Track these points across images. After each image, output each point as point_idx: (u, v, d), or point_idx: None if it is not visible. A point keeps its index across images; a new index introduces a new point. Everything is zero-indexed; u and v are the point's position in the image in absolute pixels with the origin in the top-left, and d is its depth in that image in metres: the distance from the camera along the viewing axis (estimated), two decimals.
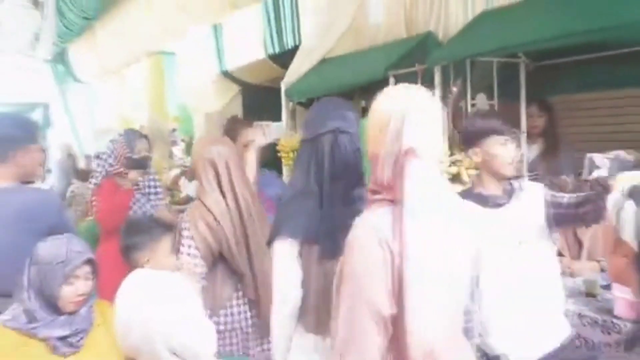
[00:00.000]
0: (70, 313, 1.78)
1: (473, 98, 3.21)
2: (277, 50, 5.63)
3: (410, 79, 3.50)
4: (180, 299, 1.75)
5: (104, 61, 9.25)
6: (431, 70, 3.24)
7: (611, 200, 1.74)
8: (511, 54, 3.16)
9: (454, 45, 3.23)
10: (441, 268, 1.15)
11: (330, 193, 1.66)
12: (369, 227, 1.19)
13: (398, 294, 1.10)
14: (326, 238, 1.59)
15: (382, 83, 3.71)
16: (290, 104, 4.66)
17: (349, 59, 4.14)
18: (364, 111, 4.29)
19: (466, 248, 1.27)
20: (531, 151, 3.37)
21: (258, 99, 6.33)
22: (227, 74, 6.59)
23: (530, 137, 3.31)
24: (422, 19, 3.74)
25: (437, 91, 3.18)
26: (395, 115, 1.26)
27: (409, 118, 1.24)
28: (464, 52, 3.04)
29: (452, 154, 3.07)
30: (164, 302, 1.72)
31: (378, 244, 1.15)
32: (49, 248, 1.79)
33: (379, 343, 1.11)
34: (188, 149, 7.06)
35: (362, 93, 4.15)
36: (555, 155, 3.33)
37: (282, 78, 4.78)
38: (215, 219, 2.29)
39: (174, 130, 6.91)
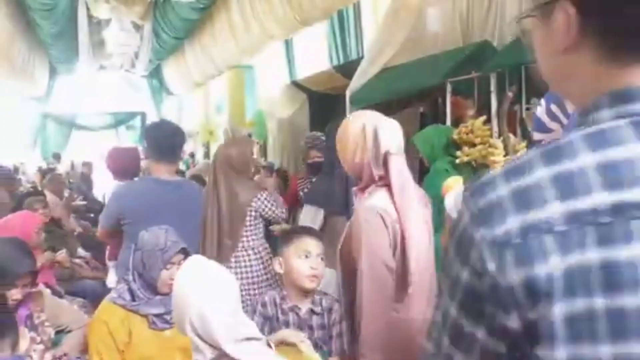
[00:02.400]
0: (165, 294, 1.84)
1: (528, 102, 3.06)
2: (341, 61, 5.62)
3: (467, 85, 3.39)
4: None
5: (191, 75, 9.57)
6: (487, 77, 3.11)
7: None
8: None
9: (509, 52, 3.09)
10: (420, 220, 1.53)
11: None
12: (371, 207, 1.50)
13: (394, 241, 1.48)
14: None
15: (439, 90, 3.62)
16: (354, 110, 4.62)
17: (408, 67, 4.06)
18: (422, 117, 4.21)
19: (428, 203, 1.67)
20: None
21: (323, 106, 6.34)
22: (296, 84, 6.65)
23: None
24: (478, 27, 3.61)
25: (493, 96, 3.05)
26: (368, 130, 1.55)
27: (380, 130, 1.55)
28: (519, 58, 2.90)
29: (506, 154, 2.94)
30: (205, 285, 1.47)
31: (380, 216, 1.47)
32: (151, 237, 1.85)
33: (391, 284, 1.47)
34: (262, 152, 7.18)
35: (420, 99, 4.06)
36: None
37: (345, 87, 4.75)
38: None
39: (249, 134, 7.04)
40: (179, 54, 9.59)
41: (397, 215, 1.46)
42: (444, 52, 3.80)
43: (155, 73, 11.80)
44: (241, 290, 2.40)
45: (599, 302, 0.49)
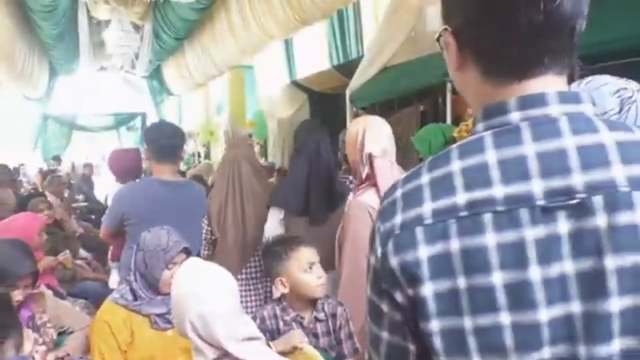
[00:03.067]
0: (167, 294, 1.83)
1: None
2: (341, 60, 5.62)
3: None
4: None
5: (192, 76, 9.57)
6: None
7: None
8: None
9: None
10: None
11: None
12: (360, 203, 1.76)
13: None
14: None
15: (439, 88, 3.62)
16: (354, 109, 4.62)
17: (408, 66, 4.06)
18: (423, 115, 4.21)
19: None
20: None
21: (323, 106, 6.35)
22: (296, 83, 6.65)
23: None
24: None
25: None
26: (359, 133, 1.79)
27: (366, 134, 1.76)
28: None
29: None
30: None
31: (367, 212, 1.70)
32: (153, 237, 1.85)
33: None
34: (262, 152, 7.18)
35: (420, 98, 4.05)
36: None
37: (345, 86, 4.75)
38: None
39: (250, 135, 7.04)
40: (179, 55, 9.59)
41: None
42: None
43: (156, 74, 11.80)
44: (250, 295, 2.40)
45: (461, 282, 0.59)
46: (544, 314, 0.57)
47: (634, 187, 0.56)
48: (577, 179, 0.58)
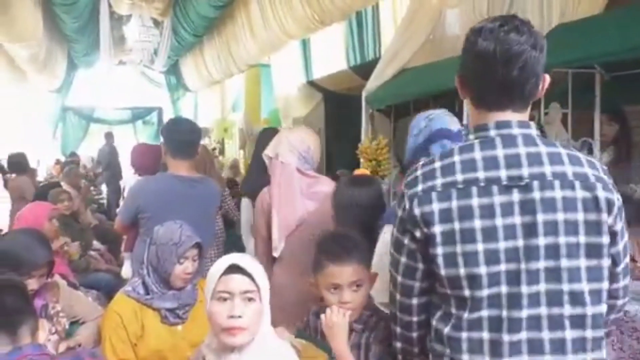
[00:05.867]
0: (179, 289, 1.84)
1: (546, 107, 3.02)
2: (358, 61, 5.60)
3: None
4: None
5: (209, 72, 9.62)
6: None
7: None
8: (586, 65, 2.94)
9: None
10: (295, 207, 2.11)
11: None
12: (261, 193, 2.17)
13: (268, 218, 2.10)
14: None
15: (456, 92, 3.58)
16: (370, 110, 4.61)
17: (426, 69, 4.04)
18: None
19: None
20: (603, 159, 3.12)
21: (339, 106, 6.33)
22: (312, 83, 6.64)
23: (603, 145, 3.07)
24: None
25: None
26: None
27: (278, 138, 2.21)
28: None
29: None
30: None
31: (261, 203, 2.15)
32: (166, 232, 1.85)
33: (264, 248, 2.13)
34: None
35: (436, 101, 4.02)
36: (626, 164, 3.06)
37: (361, 87, 4.73)
38: None
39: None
40: (197, 51, 9.64)
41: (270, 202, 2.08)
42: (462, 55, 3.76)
43: (173, 69, 11.88)
44: None
45: (456, 225, 1.04)
46: (502, 245, 1.02)
47: (554, 178, 1.03)
48: (525, 171, 1.04)
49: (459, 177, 1.04)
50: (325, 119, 6.50)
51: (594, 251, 1.02)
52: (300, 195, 2.04)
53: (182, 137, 2.47)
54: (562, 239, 1.00)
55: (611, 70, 3.13)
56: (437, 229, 1.04)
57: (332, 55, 6.07)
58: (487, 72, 1.06)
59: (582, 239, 1.01)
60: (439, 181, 1.05)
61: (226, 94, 10.08)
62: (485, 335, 1.02)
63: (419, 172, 1.10)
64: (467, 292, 1.03)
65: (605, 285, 1.04)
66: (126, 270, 2.86)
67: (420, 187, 1.07)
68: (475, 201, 1.02)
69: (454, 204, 1.03)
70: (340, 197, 1.86)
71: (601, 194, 1.02)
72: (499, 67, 1.04)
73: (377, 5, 5.14)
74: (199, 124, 3.95)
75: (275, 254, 2.08)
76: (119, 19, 8.82)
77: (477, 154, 1.05)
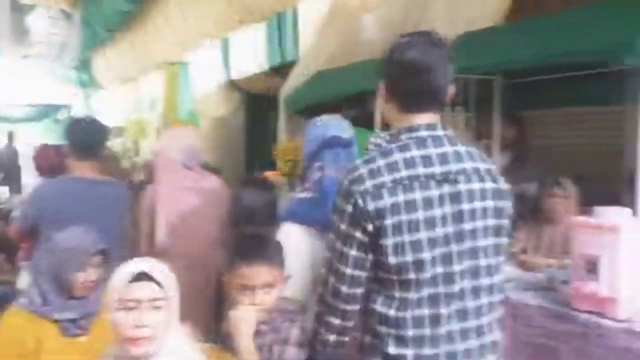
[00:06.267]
0: (81, 298, 1.75)
1: (453, 110, 3.21)
2: (278, 62, 5.61)
3: None
4: None
5: (123, 69, 9.19)
6: None
7: None
8: (488, 72, 3.15)
9: None
10: (179, 202, 2.21)
11: None
12: (146, 192, 2.30)
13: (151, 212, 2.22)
14: None
15: (370, 95, 3.69)
16: (288, 112, 4.63)
17: (342, 71, 4.12)
18: (355, 120, 4.27)
19: None
20: (502, 160, 3.36)
21: (259, 107, 6.31)
22: (232, 83, 6.56)
23: (502, 147, 3.31)
24: None
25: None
26: None
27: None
28: None
29: None
30: None
31: (146, 199, 2.23)
32: (66, 237, 1.76)
33: (147, 245, 2.25)
34: None
35: (353, 104, 4.12)
36: (522, 164, 3.32)
37: (282, 89, 4.74)
38: None
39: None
40: (111, 46, 9.17)
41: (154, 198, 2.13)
42: (378, 58, 3.87)
43: (84, 65, 11.22)
44: None
45: (404, 217, 1.19)
46: (440, 232, 1.20)
47: (472, 172, 1.25)
48: (452, 167, 1.23)
49: (404, 173, 1.19)
50: (245, 120, 6.44)
51: (499, 232, 1.27)
52: (185, 190, 2.10)
53: (86, 137, 2.36)
54: (480, 223, 1.23)
55: (511, 77, 3.38)
56: (388, 221, 1.17)
57: (253, 56, 6.03)
58: (413, 80, 1.23)
59: (491, 222, 1.25)
60: (387, 178, 1.19)
61: (142, 92, 9.68)
62: (427, 311, 1.20)
63: (363, 170, 1.22)
64: (412, 276, 1.19)
65: (503, 258, 1.32)
66: (23, 282, 2.66)
67: (369, 184, 1.19)
68: (418, 195, 1.18)
69: (401, 198, 1.18)
70: (236, 199, 1.89)
71: (502, 185, 1.30)
72: (423, 76, 1.23)
73: (296, 7, 5.16)
74: (112, 123, 3.76)
75: (161, 250, 2.09)
76: (21, 9, 8.19)
77: (415, 153, 1.21)
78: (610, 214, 2.05)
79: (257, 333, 1.40)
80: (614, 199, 2.16)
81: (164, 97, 8.04)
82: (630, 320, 2.00)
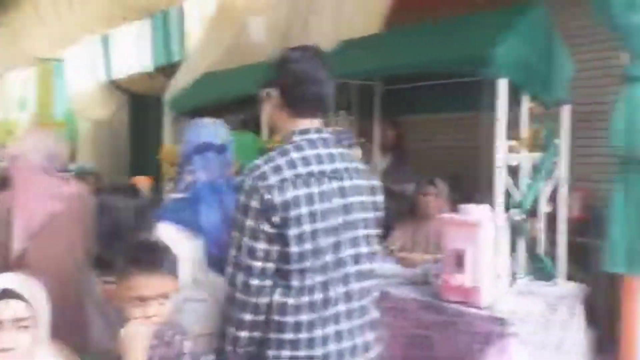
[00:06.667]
0: None
1: (336, 114, 3.29)
2: (164, 62, 5.40)
3: None
4: None
5: None
6: None
7: None
8: (368, 78, 3.28)
9: None
10: (34, 208, 2.05)
11: None
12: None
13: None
14: None
15: (258, 98, 3.67)
16: (173, 114, 4.46)
17: (230, 73, 4.06)
18: (243, 123, 4.24)
19: None
20: (383, 162, 3.52)
21: (144, 109, 6.03)
22: (114, 83, 6.20)
23: (383, 150, 3.46)
24: (296, 41, 3.76)
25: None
26: None
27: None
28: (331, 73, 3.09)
29: None
30: None
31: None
32: None
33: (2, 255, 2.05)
34: (72, 154, 6.51)
35: (242, 107, 4.08)
36: (402, 167, 3.50)
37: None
38: None
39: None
40: None
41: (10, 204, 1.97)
42: (265, 62, 3.86)
43: None
44: None
45: (305, 209, 1.32)
46: (334, 222, 1.36)
47: (354, 171, 1.44)
48: (338, 165, 1.40)
49: (301, 170, 1.33)
50: (129, 123, 6.11)
51: (374, 223, 1.47)
52: (45, 197, 2.00)
53: None
54: (360, 215, 1.41)
55: (390, 83, 3.55)
56: (292, 213, 1.29)
57: (136, 55, 5.73)
58: (305, 90, 1.40)
59: (368, 214, 1.44)
60: (288, 174, 1.32)
61: (11, 90, 8.78)
62: (319, 295, 1.33)
63: (265, 167, 1.33)
64: (309, 264, 1.32)
65: (377, 247, 1.52)
66: None
67: (273, 179, 1.31)
68: (315, 189, 1.33)
69: (302, 192, 1.31)
70: (99, 207, 1.83)
71: (375, 182, 1.51)
72: (314, 86, 1.41)
73: (182, 6, 5.01)
74: None
75: (18, 261, 1.94)
76: None
77: (308, 152, 1.36)
78: (472, 211, 2.23)
79: (148, 348, 1.30)
80: (481, 196, 2.34)
81: (36, 96, 7.37)
82: (491, 306, 2.19)
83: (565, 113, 2.64)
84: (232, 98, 3.85)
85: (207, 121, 1.87)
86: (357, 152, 2.85)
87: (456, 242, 2.22)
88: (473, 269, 2.18)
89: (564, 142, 2.62)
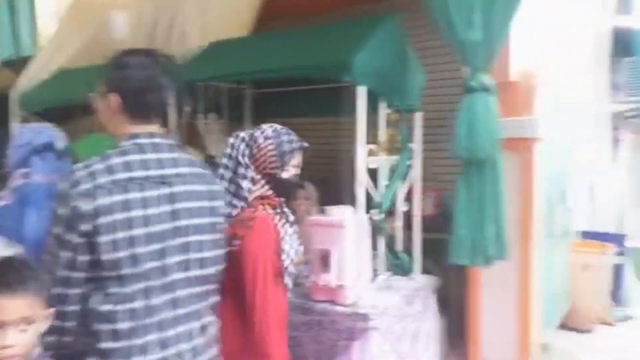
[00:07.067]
0: None
1: (206, 117, 3.23)
2: (12, 56, 4.86)
3: None
4: None
5: None
6: None
7: None
8: (239, 81, 3.26)
9: (188, 69, 3.18)
10: None
11: None
12: None
13: None
14: None
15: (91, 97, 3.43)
16: (23, 113, 4.02)
17: (87, 71, 3.76)
18: (100, 124, 3.95)
19: None
20: None
21: None
22: None
23: None
24: (162, 40, 3.60)
25: (172, 110, 3.10)
26: None
27: None
28: (196, 75, 3.01)
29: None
30: None
31: None
32: None
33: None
34: None
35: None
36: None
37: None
38: None
39: None
40: None
41: None
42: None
43: None
44: None
45: (119, 216, 1.24)
46: (157, 228, 1.29)
47: (188, 176, 1.39)
48: (168, 171, 1.35)
49: (121, 176, 1.26)
50: None
51: (214, 228, 1.43)
52: None
53: None
54: (195, 221, 1.37)
55: (260, 87, 3.57)
56: (102, 220, 1.23)
57: None
58: (145, 97, 1.36)
59: (205, 220, 1.40)
60: (104, 180, 1.25)
61: None
62: (142, 303, 1.28)
63: (80, 173, 1.26)
64: (127, 271, 1.26)
65: (221, 251, 1.47)
66: None
67: (86, 186, 1.24)
68: (135, 195, 1.27)
69: (118, 198, 1.25)
70: None
71: (216, 187, 1.48)
72: (154, 94, 1.37)
73: None
74: None
75: None
76: None
77: (133, 157, 1.31)
78: (337, 212, 2.33)
79: None
80: (348, 198, 2.44)
81: None
82: (354, 303, 2.30)
83: (418, 119, 2.87)
84: (91, 97, 3.58)
85: (44, 124, 1.86)
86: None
87: (322, 243, 2.30)
88: (338, 268, 2.28)
89: (417, 145, 2.84)
